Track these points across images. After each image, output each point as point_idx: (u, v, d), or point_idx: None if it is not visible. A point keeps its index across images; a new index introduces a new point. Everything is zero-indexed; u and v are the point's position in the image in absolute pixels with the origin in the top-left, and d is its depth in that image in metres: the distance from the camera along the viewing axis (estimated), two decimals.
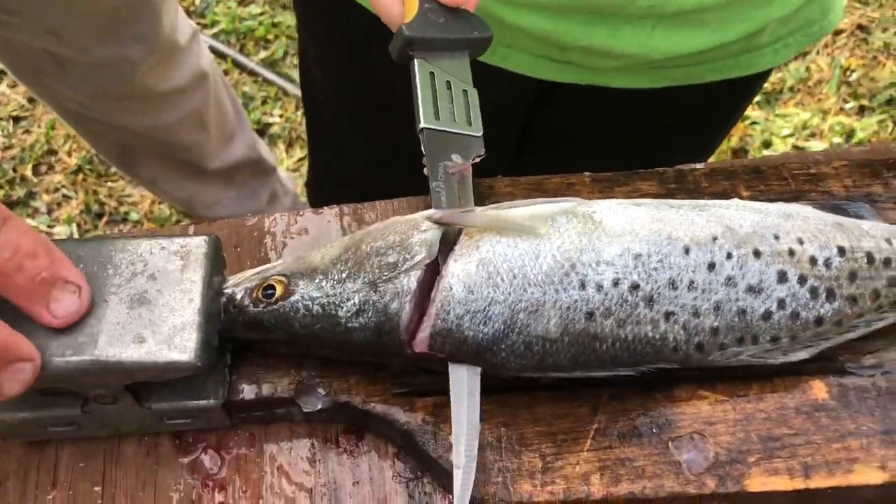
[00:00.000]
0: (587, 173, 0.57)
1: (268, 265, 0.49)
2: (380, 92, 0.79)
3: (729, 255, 0.48)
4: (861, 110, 2.03)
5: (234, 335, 0.48)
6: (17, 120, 1.99)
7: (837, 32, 2.16)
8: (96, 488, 0.48)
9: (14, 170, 1.91)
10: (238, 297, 0.47)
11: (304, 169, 1.90)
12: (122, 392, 0.46)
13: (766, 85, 2.05)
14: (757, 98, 2.04)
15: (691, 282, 0.47)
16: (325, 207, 0.58)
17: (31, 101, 1.96)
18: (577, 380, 0.47)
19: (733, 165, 0.57)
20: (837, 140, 1.92)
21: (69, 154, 1.92)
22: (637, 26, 0.66)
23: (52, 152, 1.94)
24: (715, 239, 0.48)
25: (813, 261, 0.48)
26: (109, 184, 1.85)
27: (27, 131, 1.98)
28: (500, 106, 0.66)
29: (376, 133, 0.86)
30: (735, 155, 1.90)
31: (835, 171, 0.56)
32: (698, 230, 0.48)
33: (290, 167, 1.89)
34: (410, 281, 0.46)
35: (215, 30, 2.03)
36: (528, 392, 0.48)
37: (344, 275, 0.47)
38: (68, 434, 0.49)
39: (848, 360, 0.49)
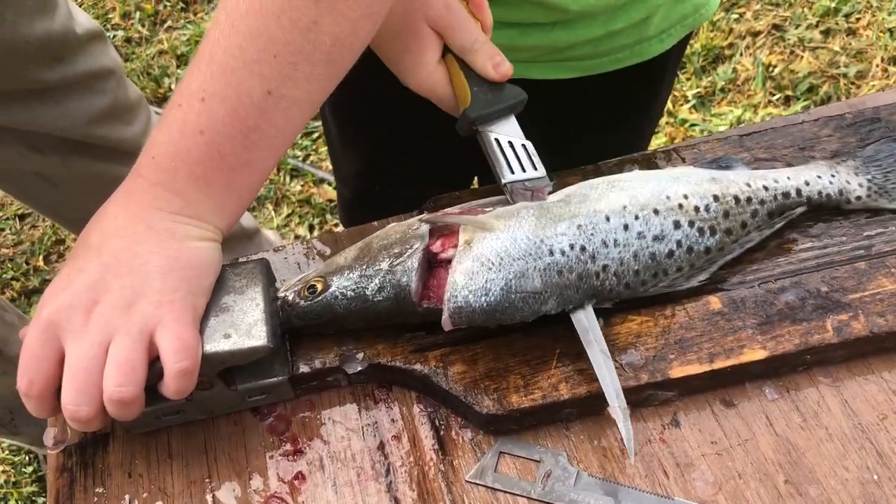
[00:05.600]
0: None
1: (305, 273, 0.67)
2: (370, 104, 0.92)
3: (636, 217, 0.65)
4: (787, 100, 2.22)
5: (291, 325, 0.65)
6: (22, 217, 2.15)
7: (756, 34, 2.38)
8: (202, 454, 0.65)
9: (27, 262, 2.06)
10: (290, 297, 0.65)
11: (295, 223, 2.08)
12: (216, 379, 0.63)
13: (699, 90, 2.26)
14: (692, 102, 2.25)
15: (615, 240, 0.64)
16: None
17: None
18: (538, 321, 0.64)
19: (633, 156, 0.75)
20: None
21: (75, 241, 2.08)
22: (541, 28, 0.83)
23: (61, 241, 2.10)
24: (625, 207, 0.66)
25: (696, 209, 0.66)
26: None
27: (33, 226, 2.13)
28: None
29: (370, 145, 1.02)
30: None
31: (709, 146, 0.74)
32: (612, 203, 0.65)
33: (279, 224, 2.07)
34: (413, 262, 0.63)
35: None
36: (506, 335, 0.65)
37: (364, 266, 0.64)
38: (175, 421, 0.66)
39: (734, 279, 0.67)
